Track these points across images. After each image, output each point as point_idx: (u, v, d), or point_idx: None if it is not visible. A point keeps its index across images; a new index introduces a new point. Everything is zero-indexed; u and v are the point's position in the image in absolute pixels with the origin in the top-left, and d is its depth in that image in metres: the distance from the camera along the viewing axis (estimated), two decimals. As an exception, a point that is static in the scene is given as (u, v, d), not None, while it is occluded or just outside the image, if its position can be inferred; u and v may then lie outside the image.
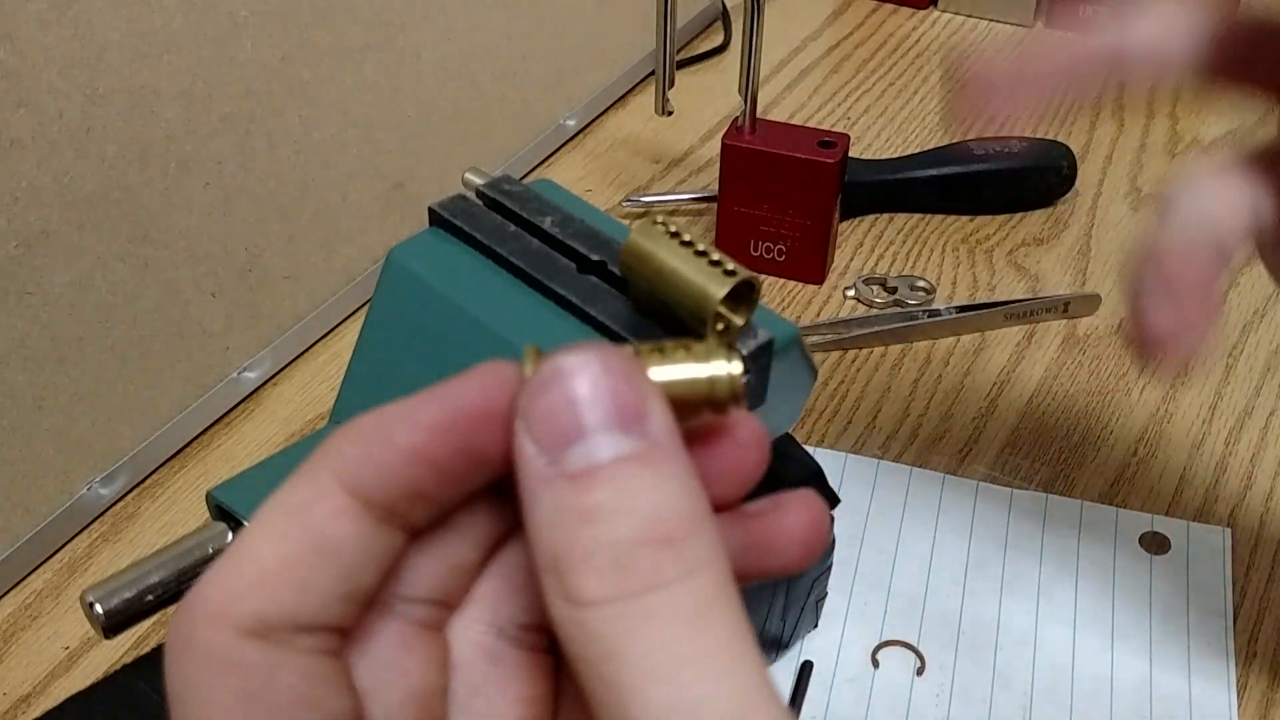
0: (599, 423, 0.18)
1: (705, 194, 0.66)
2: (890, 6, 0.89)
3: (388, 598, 0.20)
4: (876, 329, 0.58)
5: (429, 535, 0.21)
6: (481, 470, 0.20)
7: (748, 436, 0.22)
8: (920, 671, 0.43)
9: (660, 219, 0.29)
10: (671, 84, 0.61)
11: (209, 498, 0.31)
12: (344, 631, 0.20)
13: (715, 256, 0.27)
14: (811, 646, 0.44)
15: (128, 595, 0.29)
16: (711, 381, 0.21)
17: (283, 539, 0.19)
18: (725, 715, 0.17)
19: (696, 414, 0.21)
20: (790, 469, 0.39)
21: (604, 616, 0.18)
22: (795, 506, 0.22)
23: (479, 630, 0.21)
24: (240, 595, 0.19)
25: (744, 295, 0.28)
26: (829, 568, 0.42)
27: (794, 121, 0.62)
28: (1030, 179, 0.66)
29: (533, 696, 0.21)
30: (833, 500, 0.40)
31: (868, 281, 0.61)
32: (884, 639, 0.44)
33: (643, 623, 0.17)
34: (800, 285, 0.62)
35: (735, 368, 0.21)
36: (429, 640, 0.21)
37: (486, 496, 0.20)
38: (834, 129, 0.61)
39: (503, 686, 0.21)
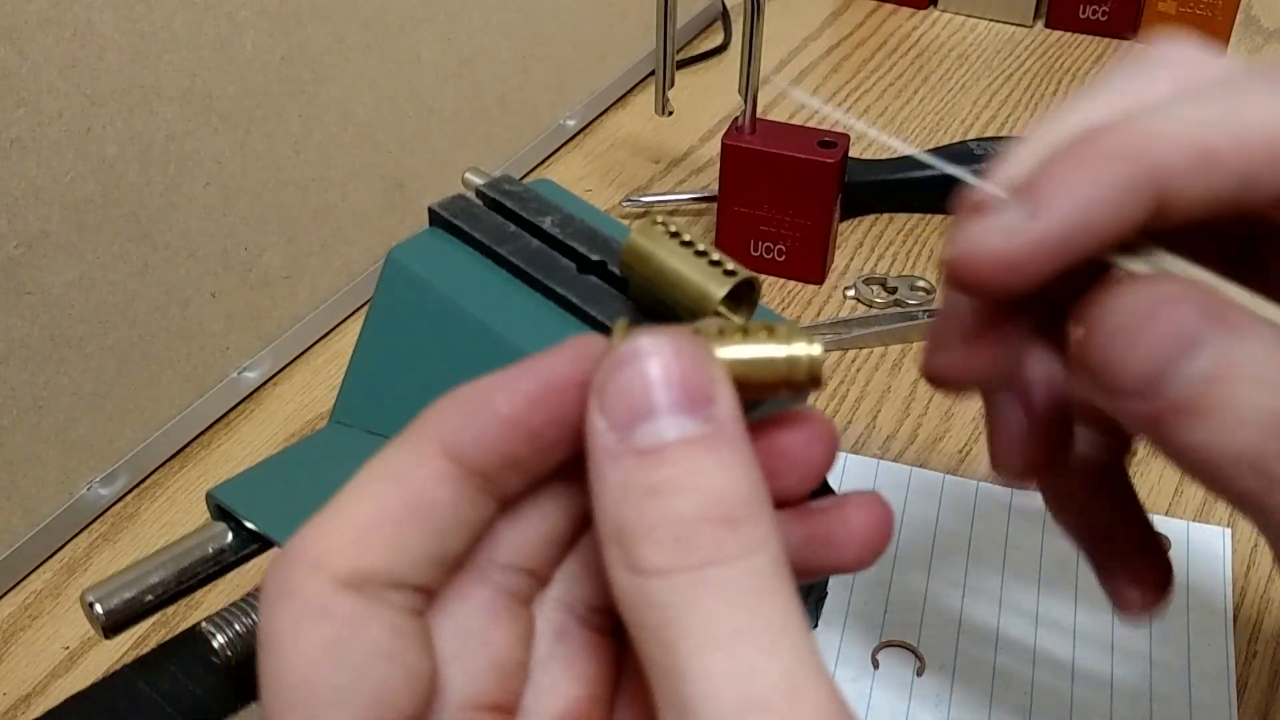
0: (668, 404, 0.19)
1: (705, 194, 0.66)
2: (890, 6, 0.89)
3: (481, 563, 0.22)
4: (876, 329, 0.58)
5: (524, 507, 0.22)
6: (573, 440, 0.21)
7: (819, 431, 0.23)
8: (920, 672, 0.43)
9: (660, 219, 0.29)
10: (671, 84, 0.61)
11: (209, 498, 0.31)
12: (431, 593, 0.21)
13: (715, 256, 0.28)
14: (811, 646, 0.44)
15: (128, 595, 0.29)
16: (791, 361, 0.22)
17: (383, 498, 0.20)
18: (776, 684, 0.18)
19: (775, 393, 0.22)
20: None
21: (665, 586, 0.18)
22: (859, 506, 0.24)
23: (552, 607, 0.22)
24: (339, 548, 0.20)
25: (744, 295, 0.28)
26: (829, 568, 0.42)
27: (794, 121, 0.62)
28: (1030, 179, 0.66)
29: (594, 676, 0.22)
30: (833, 500, 0.40)
31: (868, 281, 0.61)
32: (884, 639, 0.44)
33: (702, 594, 0.18)
34: (800, 285, 0.62)
35: (815, 349, 0.22)
36: (516, 612, 0.22)
37: (580, 474, 0.21)
38: (834, 129, 0.61)
39: (567, 663, 0.22)
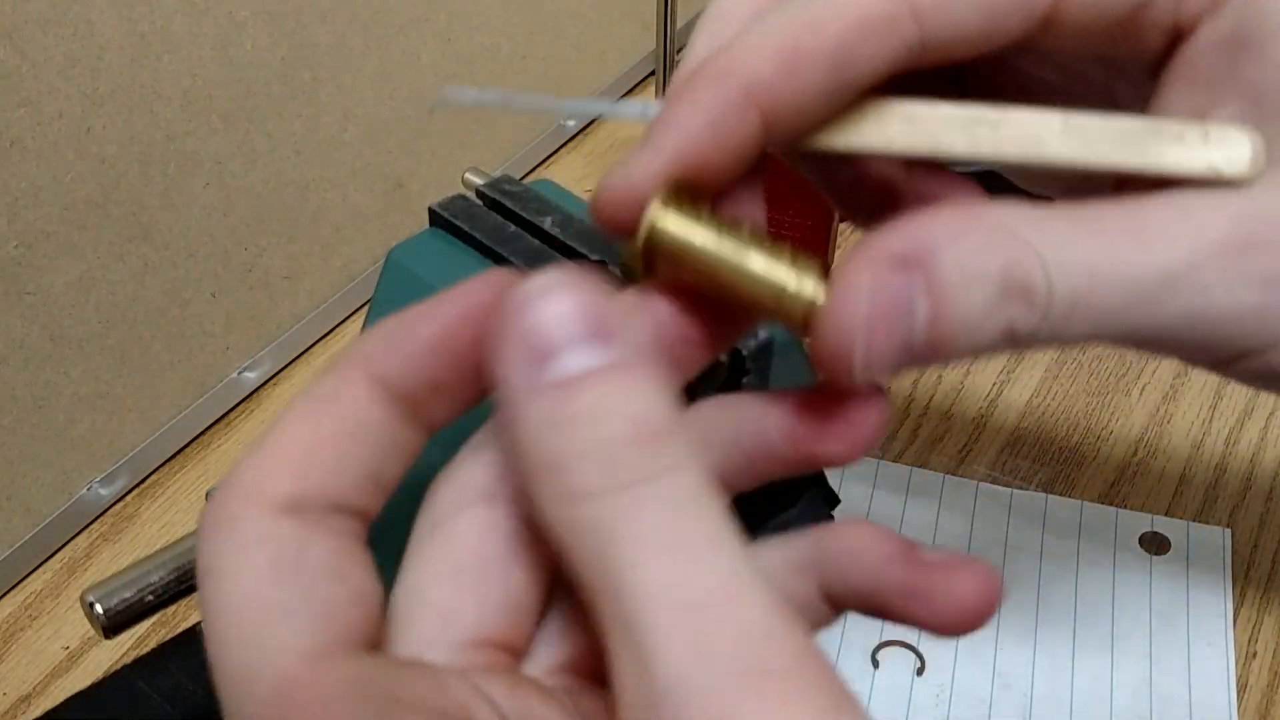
0: (573, 338, 0.20)
1: (705, 194, 0.66)
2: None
3: (510, 495, 0.22)
4: (876, 329, 0.57)
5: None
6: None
7: (867, 395, 0.24)
8: (920, 672, 0.43)
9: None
10: (671, 84, 0.61)
11: (208, 498, 0.31)
12: (368, 517, 0.21)
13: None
14: (811, 646, 0.44)
15: (128, 595, 0.29)
16: (778, 292, 0.22)
17: (315, 423, 0.21)
18: (713, 588, 0.18)
19: (762, 316, 0.23)
20: (790, 469, 0.39)
21: (599, 507, 0.19)
22: (972, 573, 0.23)
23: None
24: (274, 474, 0.20)
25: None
26: (829, 568, 0.42)
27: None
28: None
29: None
30: (833, 500, 0.40)
31: (868, 281, 0.61)
32: (884, 639, 0.44)
33: (636, 510, 0.19)
34: (800, 285, 0.61)
35: (817, 293, 0.22)
36: (537, 550, 0.22)
37: None
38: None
39: (579, 612, 0.23)
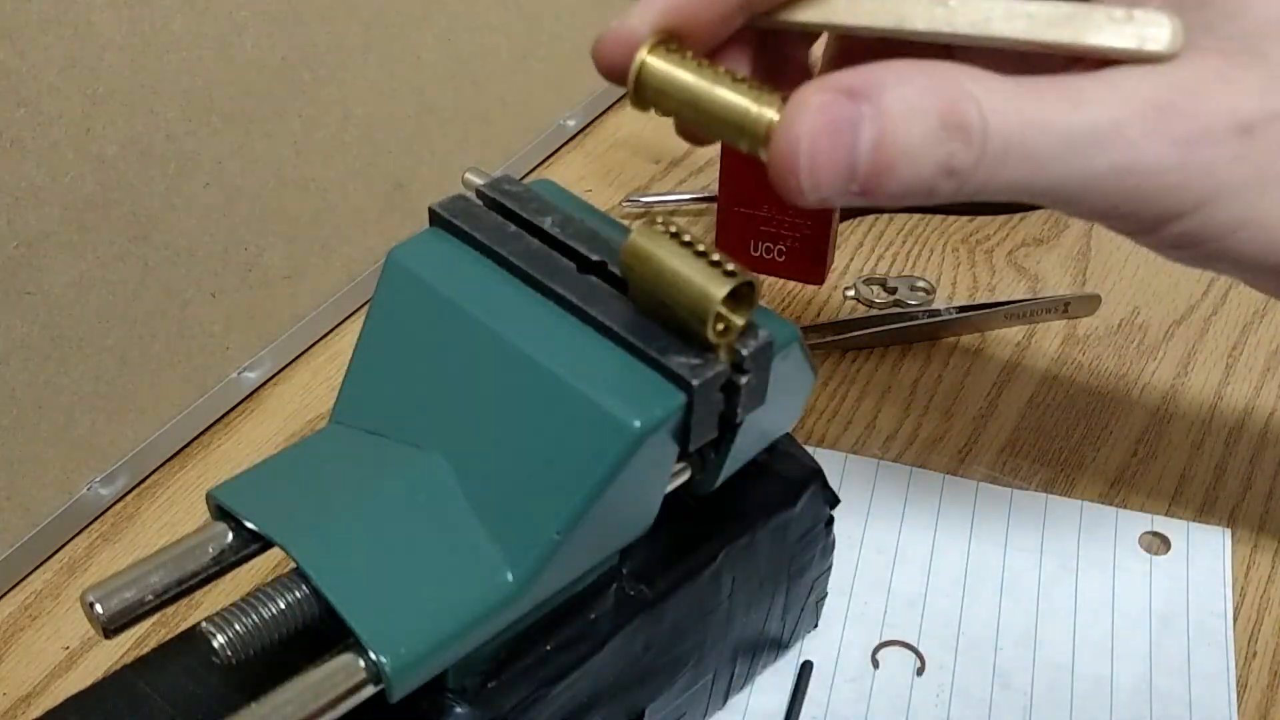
0: None
1: (705, 194, 0.66)
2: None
3: None
4: (876, 329, 0.58)
5: None
6: None
7: None
8: (920, 671, 0.43)
9: (660, 219, 0.29)
10: (671, 84, 0.61)
11: (209, 498, 0.31)
12: None
13: (715, 257, 0.28)
14: (811, 646, 0.44)
15: (128, 595, 0.29)
16: (743, 114, 0.28)
17: None
18: None
19: (727, 135, 0.29)
20: (790, 469, 0.39)
21: None
22: None
23: None
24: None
25: (744, 296, 0.28)
26: (829, 568, 0.42)
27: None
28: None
29: None
30: (833, 500, 0.40)
31: (868, 282, 0.61)
32: (884, 639, 0.44)
33: None
34: (800, 285, 0.62)
35: (767, 109, 0.28)
36: None
37: None
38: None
39: None
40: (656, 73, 0.29)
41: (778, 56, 0.34)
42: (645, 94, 0.29)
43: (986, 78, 0.27)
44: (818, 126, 0.26)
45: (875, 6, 0.29)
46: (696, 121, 0.29)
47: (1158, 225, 0.29)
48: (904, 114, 0.26)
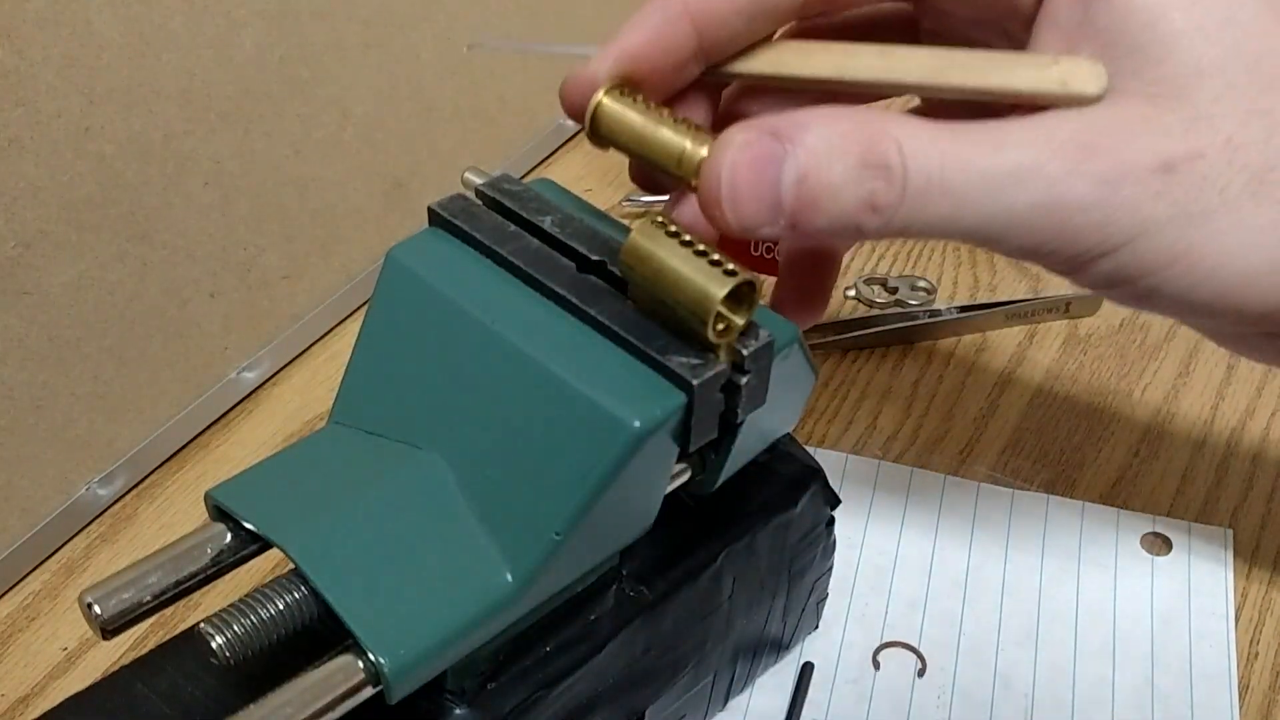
0: None
1: (705, 194, 0.66)
2: (890, 6, 0.89)
3: None
4: (877, 329, 0.57)
5: None
6: None
7: None
8: (921, 673, 0.43)
9: (661, 218, 0.29)
10: (671, 84, 0.61)
11: (207, 498, 0.31)
12: None
13: (715, 256, 0.28)
14: (812, 648, 0.44)
15: (126, 596, 0.29)
16: (680, 152, 0.31)
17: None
18: None
19: (678, 171, 0.31)
20: (791, 469, 0.39)
21: None
22: None
23: None
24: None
25: (744, 295, 0.28)
26: (830, 569, 0.42)
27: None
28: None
29: None
30: (833, 501, 0.40)
31: (868, 281, 0.61)
32: (885, 640, 0.44)
33: None
34: (800, 285, 0.61)
35: (701, 149, 0.30)
36: None
37: None
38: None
39: None
40: (609, 113, 0.32)
41: (733, 110, 0.36)
42: (600, 131, 0.32)
43: (912, 122, 0.28)
44: (740, 160, 0.28)
45: (823, 58, 0.31)
46: (641, 156, 0.32)
47: (1085, 263, 0.29)
48: (825, 152, 0.27)
